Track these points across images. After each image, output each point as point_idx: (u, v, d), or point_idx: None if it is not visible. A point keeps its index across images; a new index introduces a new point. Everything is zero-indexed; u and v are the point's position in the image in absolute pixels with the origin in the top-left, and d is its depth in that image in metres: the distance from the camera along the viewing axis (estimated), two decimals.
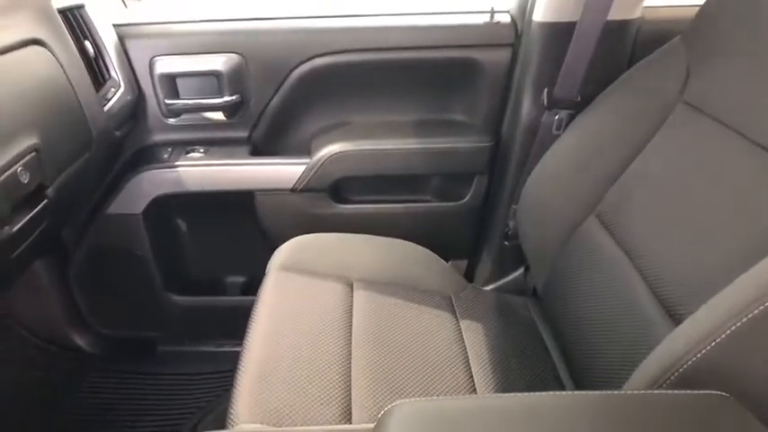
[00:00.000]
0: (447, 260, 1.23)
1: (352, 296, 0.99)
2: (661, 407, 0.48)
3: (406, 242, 1.15)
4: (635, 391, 0.53)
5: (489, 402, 0.53)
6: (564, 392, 0.50)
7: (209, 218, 1.38)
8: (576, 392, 0.53)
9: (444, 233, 1.31)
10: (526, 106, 1.12)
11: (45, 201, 0.91)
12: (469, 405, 0.50)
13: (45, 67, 0.93)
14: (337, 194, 1.28)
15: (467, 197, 1.28)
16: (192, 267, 1.45)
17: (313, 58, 1.20)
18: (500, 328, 1.00)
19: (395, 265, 1.09)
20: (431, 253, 1.15)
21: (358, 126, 1.28)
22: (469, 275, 1.38)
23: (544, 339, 1.02)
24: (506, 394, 0.52)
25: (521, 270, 1.28)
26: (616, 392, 0.52)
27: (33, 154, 0.86)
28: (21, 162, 0.84)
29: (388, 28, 1.18)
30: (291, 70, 1.20)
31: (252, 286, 1.44)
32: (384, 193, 1.30)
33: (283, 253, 1.09)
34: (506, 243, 1.24)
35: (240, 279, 1.46)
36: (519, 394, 0.50)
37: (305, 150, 1.27)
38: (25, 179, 0.84)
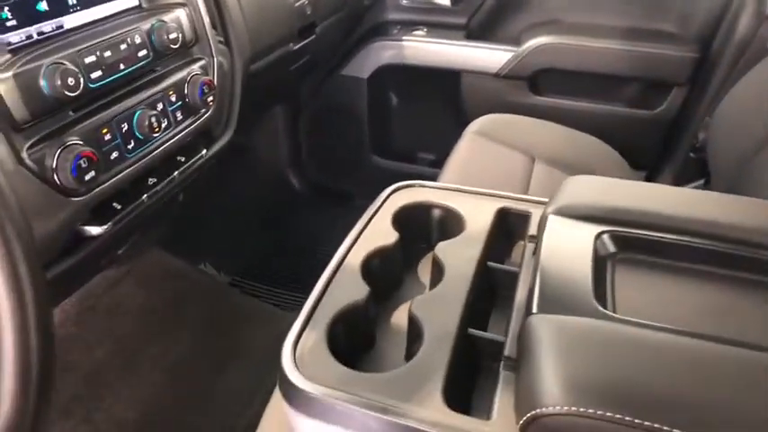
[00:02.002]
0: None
1: (531, 169, 1.14)
2: None
3: (592, 137, 1.26)
4: None
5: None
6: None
7: (417, 92, 1.61)
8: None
9: (631, 139, 1.37)
10: (746, 17, 1.13)
11: (313, 36, 1.19)
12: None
13: None
14: (535, 85, 1.41)
15: (661, 107, 1.33)
16: (394, 135, 1.70)
17: None
18: None
19: (576, 153, 1.20)
20: (614, 152, 1.25)
21: (566, 24, 1.38)
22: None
23: None
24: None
25: (698, 183, 1.31)
26: None
27: None
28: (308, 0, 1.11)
29: None
30: None
31: (441, 162, 1.65)
32: (578, 92, 1.39)
33: (479, 123, 1.27)
34: (691, 155, 1.28)
35: (430, 154, 1.68)
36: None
37: (514, 42, 1.41)
38: (308, 11, 1.12)
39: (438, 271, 0.63)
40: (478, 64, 1.41)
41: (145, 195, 0.73)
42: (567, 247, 0.55)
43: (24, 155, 0.56)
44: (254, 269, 1.47)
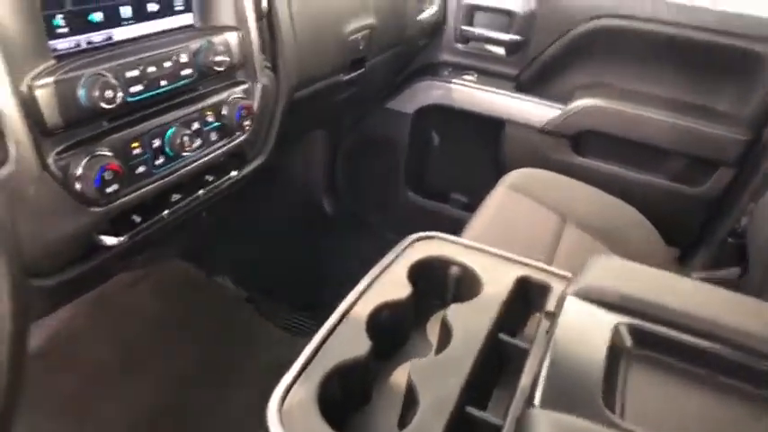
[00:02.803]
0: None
1: (562, 231, 1.11)
2: None
3: (629, 206, 1.22)
4: None
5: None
6: None
7: (459, 134, 1.59)
8: None
9: (669, 214, 1.32)
10: None
11: (362, 69, 1.20)
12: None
13: None
14: (578, 145, 1.38)
15: (704, 186, 1.28)
16: (431, 173, 1.69)
17: (600, 17, 1.30)
18: None
19: (610, 221, 1.17)
20: (649, 224, 1.20)
21: (617, 89, 1.36)
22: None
23: None
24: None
25: (733, 270, 1.24)
26: None
27: (368, 31, 1.14)
28: (361, 33, 1.12)
29: (675, 4, 1.23)
30: (576, 24, 1.32)
31: (474, 206, 1.63)
32: (621, 158, 1.36)
33: (515, 176, 1.24)
34: (730, 240, 1.22)
35: (464, 197, 1.66)
36: None
37: (562, 100, 1.39)
38: (362, 46, 1.13)
39: (446, 334, 0.60)
40: (524, 116, 1.39)
41: (166, 211, 0.73)
42: (583, 334, 0.52)
43: (50, 160, 0.57)
44: (273, 289, 1.47)
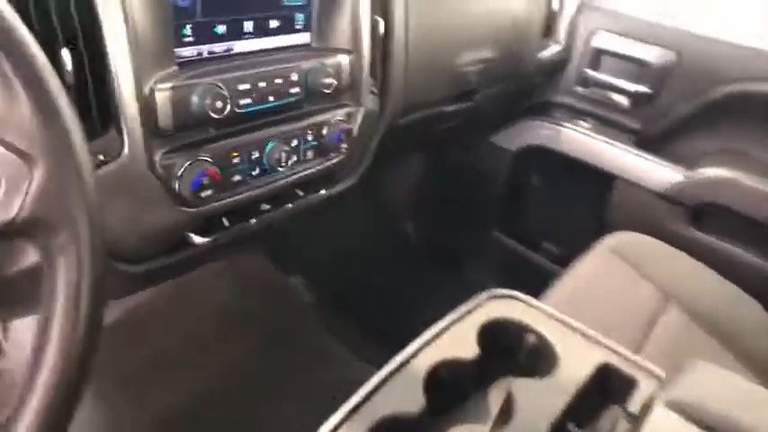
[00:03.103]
0: None
1: (662, 311, 1.00)
2: None
3: (748, 297, 1.08)
4: None
5: None
6: None
7: (562, 181, 1.51)
8: None
9: None
10: None
11: (471, 102, 1.17)
12: None
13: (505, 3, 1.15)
14: (697, 217, 1.26)
15: None
16: (524, 216, 1.62)
17: (744, 81, 1.18)
18: None
19: (721, 309, 1.04)
20: None
21: (754, 161, 1.22)
22: None
23: None
24: None
25: None
26: None
27: (483, 65, 1.11)
28: (476, 67, 1.09)
29: None
30: (717, 85, 1.21)
31: (565, 259, 1.54)
32: (747, 241, 1.21)
33: (617, 238, 1.15)
34: None
35: (556, 248, 1.57)
36: None
37: (687, 164, 1.27)
38: (473, 78, 1.10)
39: (508, 412, 0.55)
40: (640, 175, 1.29)
41: (254, 219, 0.74)
42: None
43: (157, 158, 0.59)
44: (345, 304, 1.47)
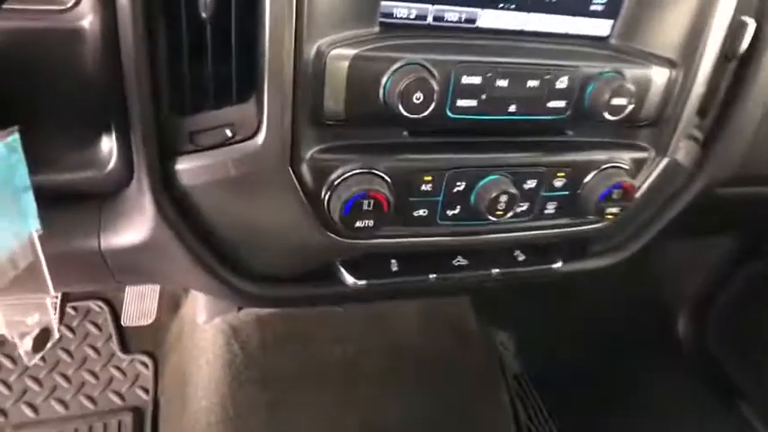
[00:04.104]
0: None
1: None
2: None
3: None
4: None
5: None
6: None
7: None
8: None
9: None
10: None
11: None
12: None
13: None
14: None
15: None
16: None
17: None
18: None
19: None
20: None
21: None
22: None
23: None
24: None
25: None
26: None
27: None
28: None
29: None
30: None
31: None
32: None
33: None
34: None
35: None
36: None
37: None
38: None
39: None
40: None
41: (434, 275, 0.51)
42: None
43: (306, 154, 0.40)
44: (555, 385, 1.15)
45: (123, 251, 0.44)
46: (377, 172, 0.41)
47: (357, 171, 0.41)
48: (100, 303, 1.13)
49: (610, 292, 1.19)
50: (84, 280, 0.51)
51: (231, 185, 0.40)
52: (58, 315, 0.97)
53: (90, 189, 0.42)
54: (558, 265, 0.55)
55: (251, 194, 0.41)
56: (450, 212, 0.46)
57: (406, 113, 0.38)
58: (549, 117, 0.44)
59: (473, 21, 0.42)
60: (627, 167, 0.49)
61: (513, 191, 0.44)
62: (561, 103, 0.44)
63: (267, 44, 0.35)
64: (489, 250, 0.52)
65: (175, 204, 0.41)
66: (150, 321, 1.11)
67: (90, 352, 1.09)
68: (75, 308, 1.12)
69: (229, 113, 0.38)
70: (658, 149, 0.50)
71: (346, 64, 0.37)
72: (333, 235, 0.43)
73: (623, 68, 0.44)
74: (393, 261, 0.50)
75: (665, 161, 0.50)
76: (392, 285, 0.50)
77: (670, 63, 0.46)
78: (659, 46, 0.46)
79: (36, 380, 1.04)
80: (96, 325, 1.12)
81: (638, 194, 0.51)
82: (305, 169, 0.40)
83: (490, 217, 0.45)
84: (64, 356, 1.08)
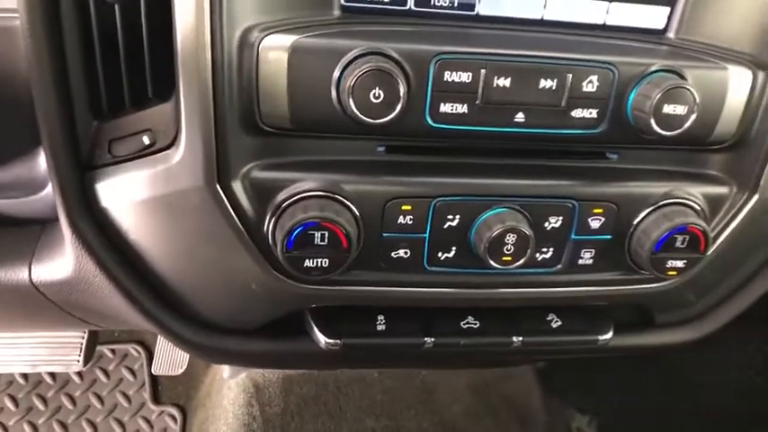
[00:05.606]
0: None
1: None
2: None
3: None
4: None
5: None
6: None
7: None
8: None
9: None
10: None
11: None
12: None
13: None
14: None
15: None
16: None
17: None
18: None
19: None
20: None
21: None
22: None
23: None
24: None
25: None
26: None
27: None
28: None
29: None
30: None
31: None
32: None
33: None
34: None
35: None
36: None
37: None
38: None
39: None
40: None
41: (431, 339, 0.39)
42: None
43: (240, 169, 0.31)
44: None
45: (56, 284, 0.37)
46: (337, 197, 0.32)
47: (309, 194, 0.31)
48: (138, 348, 1.10)
49: (731, 369, 0.96)
50: (39, 318, 0.45)
51: (154, 207, 0.32)
52: (83, 355, 0.93)
53: (29, 214, 0.37)
54: (607, 336, 0.42)
55: (178, 219, 0.33)
56: (442, 256, 0.35)
57: (363, 117, 0.29)
58: (575, 131, 0.33)
59: (471, 6, 0.32)
60: (697, 206, 0.36)
61: (526, 230, 0.33)
62: (591, 113, 0.32)
63: (177, 28, 0.28)
64: (511, 311, 0.40)
65: (97, 229, 0.34)
66: (181, 371, 1.05)
67: (121, 399, 1.05)
68: (113, 350, 1.10)
69: (146, 117, 0.31)
70: (741, 183, 0.36)
71: (285, 55, 0.29)
72: (283, 277, 0.34)
73: (685, 71, 0.32)
74: (380, 317, 0.40)
75: (754, 199, 0.37)
76: (376, 348, 0.39)
77: (754, 63, 0.33)
78: (735, 40, 0.33)
79: (63, 425, 1.01)
80: (131, 371, 1.08)
81: (715, 244, 0.37)
82: (238, 188, 0.31)
83: (494, 264, 0.34)
84: (95, 402, 1.04)
